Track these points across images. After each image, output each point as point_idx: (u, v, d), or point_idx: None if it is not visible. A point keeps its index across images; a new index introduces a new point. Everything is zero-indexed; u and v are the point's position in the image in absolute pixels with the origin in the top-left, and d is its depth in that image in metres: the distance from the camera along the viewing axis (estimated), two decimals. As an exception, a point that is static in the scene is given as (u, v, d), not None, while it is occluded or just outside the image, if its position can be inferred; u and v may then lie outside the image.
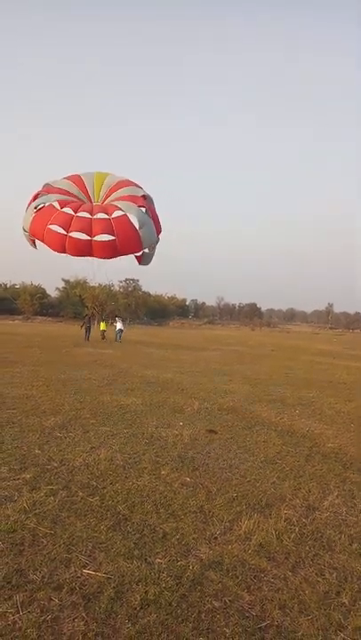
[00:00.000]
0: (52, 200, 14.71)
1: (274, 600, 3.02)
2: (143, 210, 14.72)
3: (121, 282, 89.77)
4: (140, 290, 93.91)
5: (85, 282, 74.26)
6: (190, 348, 28.24)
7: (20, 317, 72.61)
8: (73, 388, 10.35)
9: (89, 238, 13.79)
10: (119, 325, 29.95)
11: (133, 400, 9.26)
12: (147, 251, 15.41)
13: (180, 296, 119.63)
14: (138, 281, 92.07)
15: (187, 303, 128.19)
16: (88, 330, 29.14)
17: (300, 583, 3.23)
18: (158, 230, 15.50)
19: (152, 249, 15.76)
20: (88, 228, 13.75)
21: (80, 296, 75.42)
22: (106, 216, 14.09)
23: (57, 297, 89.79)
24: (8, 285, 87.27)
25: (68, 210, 14.30)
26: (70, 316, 77.89)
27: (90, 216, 14.00)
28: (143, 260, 16.01)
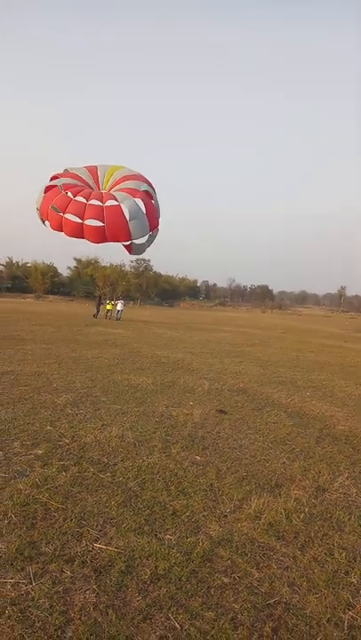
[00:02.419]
0: (60, 183, 15.48)
1: (283, 578, 3.04)
2: (138, 203, 15.17)
3: (132, 262, 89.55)
4: (152, 270, 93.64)
5: (97, 261, 74.30)
6: (201, 329, 28.24)
7: (31, 296, 73.02)
8: (84, 366, 10.42)
9: (80, 221, 14.50)
10: (119, 306, 32.68)
11: (144, 379, 9.30)
12: (137, 242, 15.83)
13: (191, 277, 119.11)
14: (149, 261, 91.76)
15: (198, 284, 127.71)
16: (98, 308, 31.91)
17: (309, 562, 3.25)
18: (153, 225, 16.03)
19: (146, 242, 16.21)
20: (81, 212, 14.53)
21: (91, 275, 75.55)
22: (99, 203, 14.74)
23: (68, 276, 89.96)
24: (20, 264, 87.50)
25: (68, 194, 15.08)
26: (82, 295, 78.19)
27: (85, 201, 14.76)
28: (133, 250, 16.58)
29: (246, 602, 2.78)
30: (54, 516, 3.57)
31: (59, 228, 15.02)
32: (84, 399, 7.28)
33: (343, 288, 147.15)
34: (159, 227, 16.35)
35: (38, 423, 5.85)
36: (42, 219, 15.80)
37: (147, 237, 15.85)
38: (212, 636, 2.48)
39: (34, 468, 4.45)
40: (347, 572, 3.18)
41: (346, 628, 2.65)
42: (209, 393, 8.61)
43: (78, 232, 14.85)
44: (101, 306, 33.21)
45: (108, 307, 33.31)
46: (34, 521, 3.47)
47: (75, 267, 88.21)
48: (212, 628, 2.54)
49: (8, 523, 3.41)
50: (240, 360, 13.86)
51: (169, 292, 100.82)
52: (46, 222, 15.73)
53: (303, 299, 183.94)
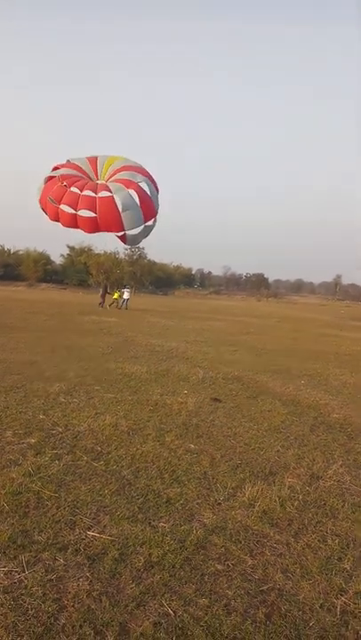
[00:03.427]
0: (58, 174, 15.76)
1: (276, 564, 3.05)
2: (132, 194, 15.30)
3: (126, 249, 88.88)
4: (146, 258, 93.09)
5: (90, 249, 73.71)
6: (195, 317, 28.21)
7: (23, 284, 72.41)
8: (78, 354, 10.38)
9: (74, 212, 14.77)
10: (126, 295, 31.79)
11: (138, 368, 9.27)
12: (131, 232, 15.98)
13: (186, 265, 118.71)
14: (143, 249, 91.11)
15: (193, 272, 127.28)
16: (104, 297, 31.28)
17: (303, 549, 3.26)
18: (148, 216, 16.17)
19: (141, 232, 16.36)
20: (75, 202, 14.81)
21: (85, 263, 75.06)
22: (93, 194, 14.97)
23: (61, 264, 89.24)
24: (12, 251, 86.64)
25: (64, 184, 15.41)
26: (75, 284, 77.69)
27: (79, 192, 15.01)
28: (127, 241, 16.85)
29: (240, 588, 2.78)
30: (47, 504, 3.55)
31: (56, 218, 15.25)
32: (78, 388, 7.25)
33: (339, 276, 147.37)
34: (157, 217, 16.39)
35: (31, 412, 5.82)
36: (42, 209, 16.08)
37: (141, 228, 15.93)
38: (206, 622, 2.48)
39: (26, 456, 4.43)
40: (340, 558, 3.19)
41: (338, 613, 2.66)
42: (203, 381, 8.61)
43: (73, 222, 15.08)
44: (107, 295, 32.56)
45: (115, 296, 32.78)
46: (26, 509, 3.45)
47: (68, 254, 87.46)
48: (206, 614, 2.54)
49: (0, 511, 3.39)
50: (235, 349, 13.87)
51: (163, 280, 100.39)
52: (46, 213, 15.99)
53: (299, 287, 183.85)
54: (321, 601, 2.75)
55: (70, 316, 21.11)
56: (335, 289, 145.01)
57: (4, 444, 4.72)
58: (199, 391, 7.75)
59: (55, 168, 16.24)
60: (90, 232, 15.61)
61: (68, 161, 16.79)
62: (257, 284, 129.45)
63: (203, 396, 7.43)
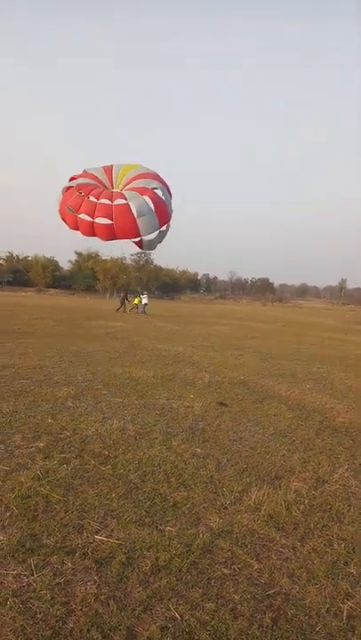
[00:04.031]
0: (75, 183, 16.30)
1: (282, 569, 3.07)
2: (147, 200, 15.79)
3: (133, 255, 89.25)
4: (152, 263, 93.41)
5: (98, 255, 74.15)
6: (201, 322, 28.23)
7: (32, 289, 72.96)
8: (85, 359, 10.43)
9: (91, 220, 15.17)
10: (144, 300, 32.67)
11: (145, 372, 9.31)
12: (147, 238, 16.43)
13: (191, 270, 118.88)
14: (150, 254, 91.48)
15: (198, 277, 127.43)
16: (123, 303, 32.40)
17: (309, 553, 3.27)
18: (163, 221, 16.56)
19: (156, 237, 16.83)
20: (92, 211, 15.21)
21: (92, 269, 75.43)
22: (109, 202, 15.41)
23: (69, 269, 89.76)
24: (20, 257, 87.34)
25: (81, 194, 15.94)
26: (82, 289, 78.07)
27: (96, 200, 15.48)
28: (144, 246, 17.33)
29: (246, 593, 2.80)
30: (55, 508, 3.59)
31: (75, 227, 15.70)
32: (85, 392, 7.29)
33: (344, 280, 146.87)
34: (170, 222, 16.88)
35: (39, 416, 5.87)
36: (62, 218, 16.62)
37: (156, 233, 16.40)
38: (212, 626, 2.50)
39: (35, 460, 4.47)
40: (346, 562, 3.20)
41: (345, 617, 2.67)
42: (209, 385, 8.63)
43: (91, 230, 15.46)
44: (127, 301, 33.31)
45: (136, 301, 33.49)
46: (35, 513, 3.49)
47: (75, 260, 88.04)
48: (213, 618, 2.56)
49: (10, 515, 3.43)
50: (240, 353, 13.87)
51: (170, 285, 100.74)
52: (65, 223, 16.72)
53: (304, 291, 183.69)
54: (327, 605, 2.76)
55: (78, 322, 21.20)
56: (340, 293, 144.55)
57: (13, 447, 4.76)
58: (205, 395, 7.76)
59: (72, 178, 16.72)
60: (106, 239, 15.92)
61: (85, 171, 17.29)
62: (262, 289, 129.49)
63: (209, 400, 7.45)
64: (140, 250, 17.19)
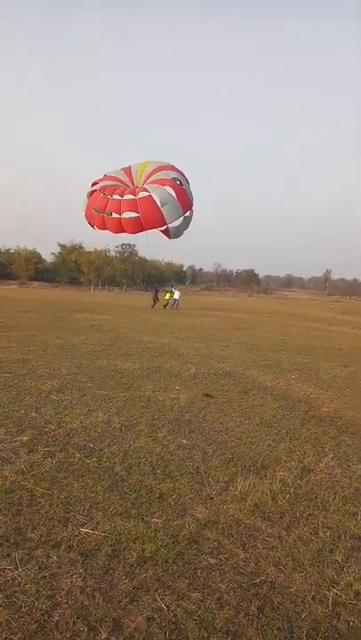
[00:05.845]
0: (99, 187, 17.55)
1: (268, 557, 3.08)
2: (168, 190, 16.66)
3: (117, 247, 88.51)
4: (137, 255, 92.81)
5: (81, 247, 73.44)
6: (187, 314, 28.22)
7: (15, 282, 72.06)
8: (70, 352, 10.33)
9: (118, 216, 16.36)
10: (176, 295, 32.96)
11: (130, 365, 9.27)
12: (173, 225, 17.18)
13: (177, 262, 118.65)
14: (134, 246, 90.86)
15: (184, 269, 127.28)
16: (155, 298, 32.94)
17: (295, 541, 3.29)
18: (186, 208, 17.34)
19: (182, 224, 17.65)
20: (118, 208, 16.32)
21: (76, 261, 74.75)
22: (133, 197, 16.43)
23: (52, 262, 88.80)
24: (2, 250, 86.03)
25: (106, 194, 17.19)
26: (66, 282, 77.35)
27: (120, 198, 16.51)
28: (172, 234, 17.97)
29: (232, 582, 2.81)
30: (40, 502, 3.55)
31: (103, 226, 16.94)
32: (70, 385, 7.22)
33: (328, 271, 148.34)
34: (193, 208, 17.86)
35: (23, 410, 5.79)
36: (89, 222, 17.76)
37: (181, 220, 17.32)
38: (199, 615, 2.50)
39: (19, 454, 4.42)
40: (331, 550, 3.23)
41: (330, 604, 2.69)
42: (195, 377, 8.63)
43: (119, 227, 16.67)
44: (159, 295, 33.51)
45: (167, 296, 33.32)
46: (19, 507, 3.45)
47: (59, 252, 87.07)
48: (199, 608, 2.56)
49: (-7, 510, 3.38)
50: (226, 344, 13.91)
51: (155, 277, 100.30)
52: (94, 225, 17.62)
53: (289, 282, 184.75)
54: (313, 593, 2.78)
55: (62, 314, 20.99)
56: (325, 284, 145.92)
57: (-4, 442, 4.69)
58: (191, 387, 7.76)
59: (94, 183, 17.84)
60: (134, 232, 16.86)
61: (105, 175, 18.43)
62: (248, 280, 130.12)
63: (195, 391, 7.45)
64: (168, 238, 17.73)
